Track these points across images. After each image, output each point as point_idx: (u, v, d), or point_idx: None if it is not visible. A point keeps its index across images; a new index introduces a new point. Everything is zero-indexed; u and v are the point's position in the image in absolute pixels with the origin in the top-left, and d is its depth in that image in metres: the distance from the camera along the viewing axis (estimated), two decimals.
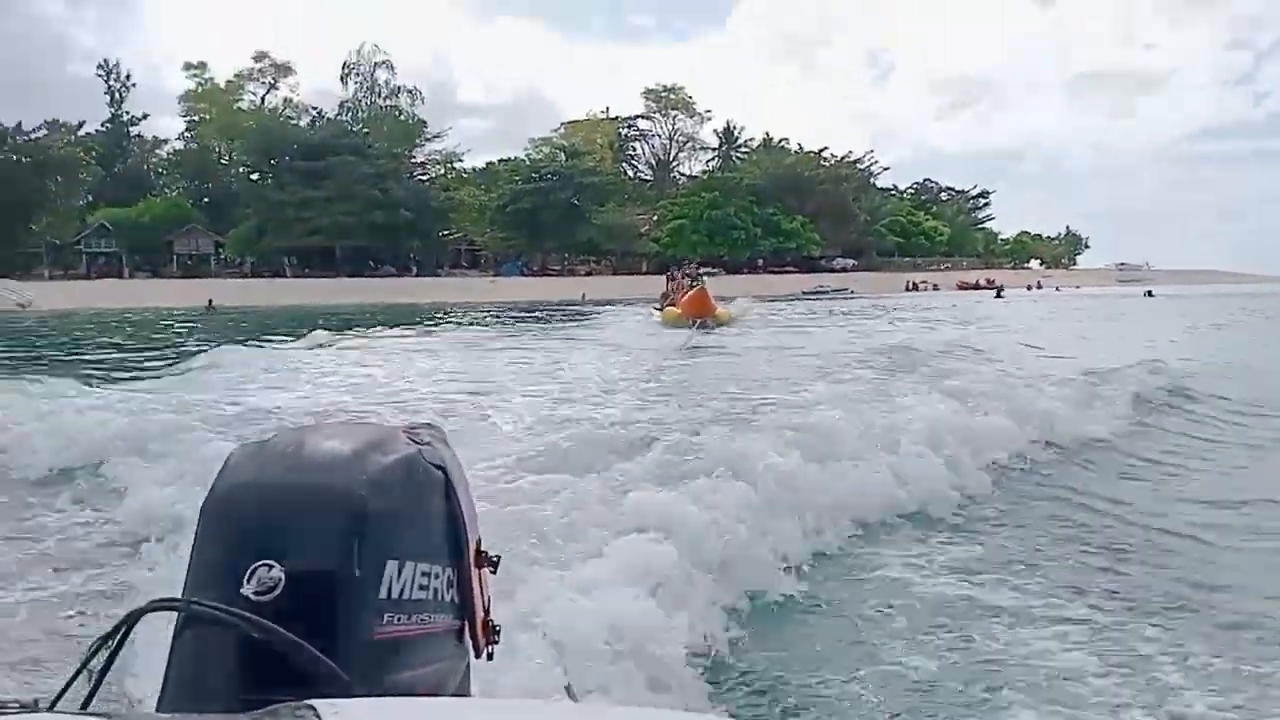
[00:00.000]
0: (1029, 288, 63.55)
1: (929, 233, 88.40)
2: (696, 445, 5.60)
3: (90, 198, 67.99)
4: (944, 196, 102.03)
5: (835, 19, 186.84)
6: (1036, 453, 6.97)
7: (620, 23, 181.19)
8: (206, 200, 73.98)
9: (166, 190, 75.24)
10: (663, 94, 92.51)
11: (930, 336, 17.85)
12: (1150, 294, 44.60)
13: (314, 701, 0.69)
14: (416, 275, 68.10)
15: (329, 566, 0.92)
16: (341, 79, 78.39)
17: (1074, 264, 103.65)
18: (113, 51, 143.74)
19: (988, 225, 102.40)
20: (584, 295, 51.46)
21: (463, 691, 1.07)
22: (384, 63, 79.23)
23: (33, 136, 65.42)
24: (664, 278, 28.65)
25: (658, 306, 24.83)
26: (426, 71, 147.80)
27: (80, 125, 72.72)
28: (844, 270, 78.17)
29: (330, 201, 63.22)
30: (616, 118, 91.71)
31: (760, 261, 77.17)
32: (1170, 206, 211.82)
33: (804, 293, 60.04)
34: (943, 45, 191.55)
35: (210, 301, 38.93)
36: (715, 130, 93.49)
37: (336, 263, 66.10)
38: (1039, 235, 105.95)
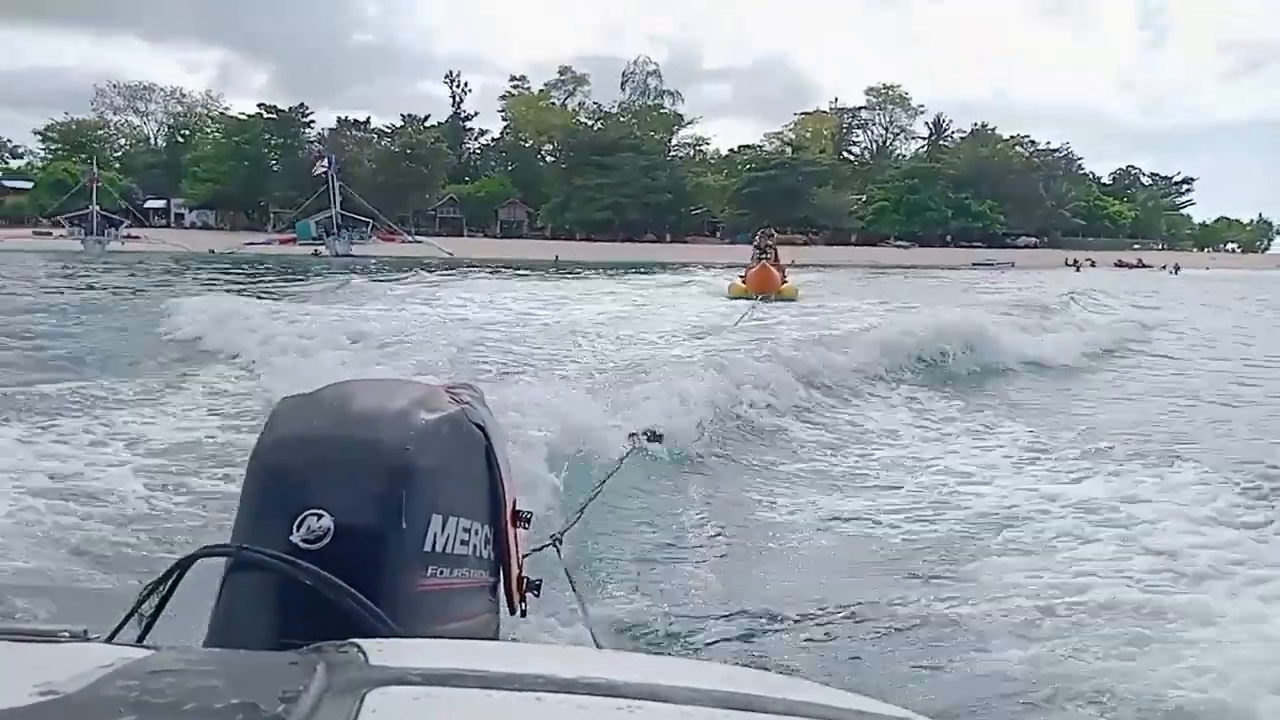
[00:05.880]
0: (1163, 267, 75.39)
1: (1113, 216, 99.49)
2: None
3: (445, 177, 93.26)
4: (1145, 181, 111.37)
5: None
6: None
7: None
8: (516, 180, 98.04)
9: (490, 173, 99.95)
10: (883, 91, 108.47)
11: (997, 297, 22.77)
12: (1176, 269, 61.11)
13: (360, 641, 0.70)
14: (670, 242, 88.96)
15: (377, 518, 0.95)
16: (621, 85, 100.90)
17: (1267, 249, 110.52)
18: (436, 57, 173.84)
19: (1186, 210, 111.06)
20: (793, 260, 68.84)
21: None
22: (654, 72, 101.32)
23: (397, 128, 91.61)
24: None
25: (741, 276, 23.11)
26: (675, 38, 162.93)
27: (427, 118, 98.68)
28: (1025, 248, 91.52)
29: (615, 186, 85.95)
30: (842, 110, 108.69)
31: (949, 238, 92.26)
32: None
33: (973, 264, 74.81)
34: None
35: (556, 256, 60.63)
36: (926, 122, 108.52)
37: (614, 230, 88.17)
38: (1237, 220, 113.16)
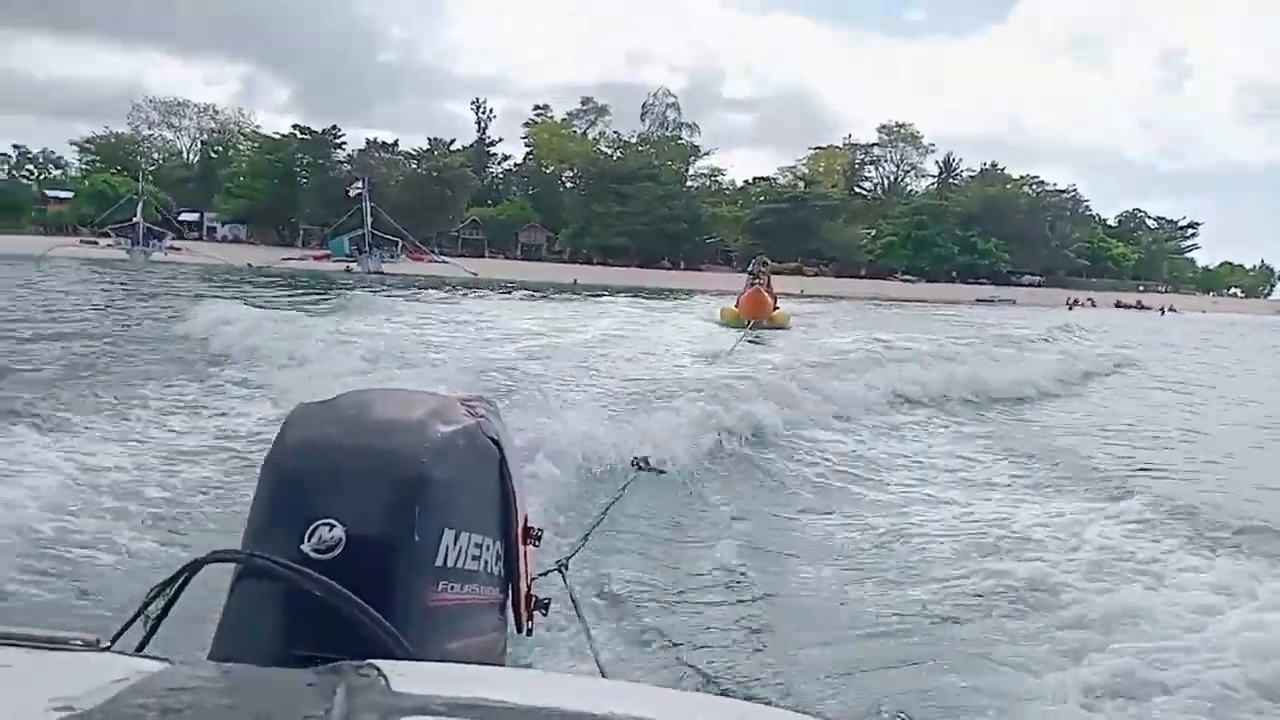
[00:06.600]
0: (1161, 309, 77.72)
1: (1117, 258, 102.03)
2: None
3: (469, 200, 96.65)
4: (1150, 224, 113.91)
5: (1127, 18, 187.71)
6: None
7: (894, 20, 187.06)
8: (537, 204, 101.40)
9: (511, 197, 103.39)
10: (895, 129, 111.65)
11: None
12: (1172, 309, 64.54)
13: (378, 663, 0.68)
14: (684, 269, 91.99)
15: (390, 530, 0.92)
16: (640, 117, 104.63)
17: (1269, 294, 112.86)
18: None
19: (1190, 254, 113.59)
20: (802, 290, 71.19)
21: (500, 664, 1.08)
22: (673, 104, 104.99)
23: (424, 151, 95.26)
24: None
25: (737, 304, 22.71)
26: (696, 67, 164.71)
27: (452, 142, 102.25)
28: (1028, 285, 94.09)
29: (632, 214, 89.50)
30: (855, 145, 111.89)
31: (955, 273, 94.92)
32: None
33: (976, 300, 77.35)
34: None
35: (575, 280, 63.35)
36: (936, 160, 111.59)
37: (630, 255, 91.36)
38: (1240, 265, 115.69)
